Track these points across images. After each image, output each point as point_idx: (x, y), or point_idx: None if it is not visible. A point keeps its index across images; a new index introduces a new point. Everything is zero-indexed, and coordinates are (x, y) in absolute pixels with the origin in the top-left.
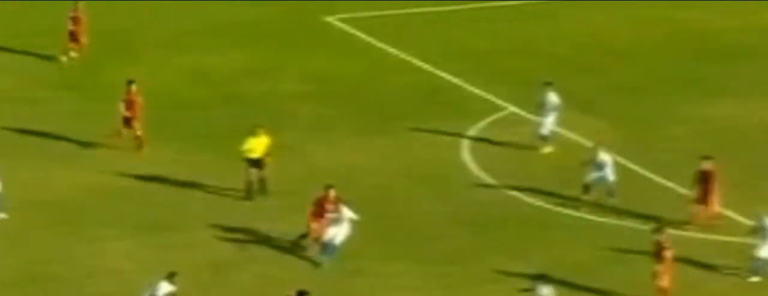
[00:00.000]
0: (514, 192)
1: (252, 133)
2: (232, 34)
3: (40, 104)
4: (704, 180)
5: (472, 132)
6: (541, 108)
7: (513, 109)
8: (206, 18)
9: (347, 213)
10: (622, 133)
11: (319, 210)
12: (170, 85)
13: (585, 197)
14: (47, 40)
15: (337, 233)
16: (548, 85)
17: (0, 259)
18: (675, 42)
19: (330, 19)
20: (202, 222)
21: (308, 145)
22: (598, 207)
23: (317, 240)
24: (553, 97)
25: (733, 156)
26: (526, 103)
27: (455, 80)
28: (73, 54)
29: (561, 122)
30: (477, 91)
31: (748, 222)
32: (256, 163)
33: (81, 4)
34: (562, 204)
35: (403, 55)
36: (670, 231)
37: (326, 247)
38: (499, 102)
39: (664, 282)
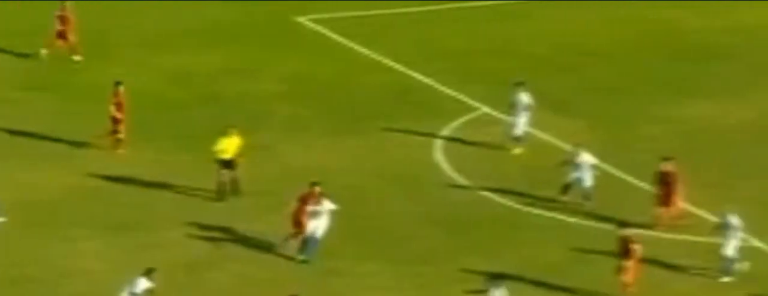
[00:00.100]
0: (487, 193)
1: (224, 133)
2: (209, 35)
3: (17, 105)
4: (665, 181)
5: (445, 132)
6: (512, 108)
7: (486, 109)
8: (183, 19)
9: (328, 204)
10: (599, 133)
11: (304, 207)
12: (148, 85)
13: (562, 198)
14: (24, 40)
15: (318, 226)
16: (520, 85)
17: None
18: (652, 42)
19: (302, 19)
20: (176, 222)
21: (282, 145)
22: (572, 208)
23: (297, 236)
24: (524, 97)
25: (710, 156)
26: (501, 104)
27: (428, 80)
28: (60, 52)
29: (534, 122)
30: (450, 91)
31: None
32: (228, 164)
33: (68, 3)
34: (533, 205)
35: (375, 56)
36: (639, 230)
37: (307, 242)
38: (473, 102)
39: (628, 277)
